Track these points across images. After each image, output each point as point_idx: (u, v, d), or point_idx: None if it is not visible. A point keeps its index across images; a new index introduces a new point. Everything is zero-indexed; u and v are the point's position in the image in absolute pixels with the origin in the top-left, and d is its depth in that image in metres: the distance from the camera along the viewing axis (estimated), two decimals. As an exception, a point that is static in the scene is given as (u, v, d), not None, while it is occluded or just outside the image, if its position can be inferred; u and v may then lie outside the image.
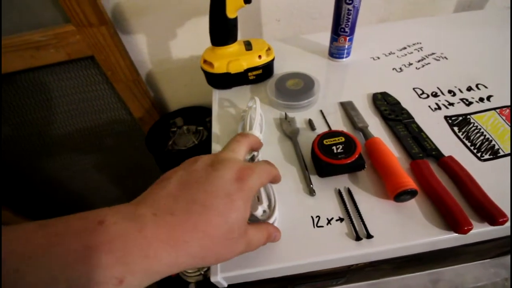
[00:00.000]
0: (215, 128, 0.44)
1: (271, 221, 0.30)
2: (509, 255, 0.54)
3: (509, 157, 0.35)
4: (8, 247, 0.15)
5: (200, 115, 0.80)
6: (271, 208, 0.31)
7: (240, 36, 0.68)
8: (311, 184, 0.34)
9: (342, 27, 0.47)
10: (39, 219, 0.17)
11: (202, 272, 0.71)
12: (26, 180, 0.99)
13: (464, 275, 0.85)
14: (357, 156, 0.33)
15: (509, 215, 0.28)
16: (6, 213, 1.03)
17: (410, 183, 0.30)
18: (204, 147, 0.72)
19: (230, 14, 0.42)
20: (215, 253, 0.21)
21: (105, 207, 0.19)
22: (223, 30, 0.44)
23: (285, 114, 0.43)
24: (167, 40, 0.69)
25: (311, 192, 0.33)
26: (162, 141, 0.78)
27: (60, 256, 0.16)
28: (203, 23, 0.44)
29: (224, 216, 0.21)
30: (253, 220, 0.30)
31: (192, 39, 0.68)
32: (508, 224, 0.28)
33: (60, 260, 0.15)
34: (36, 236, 0.16)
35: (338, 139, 0.34)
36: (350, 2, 0.44)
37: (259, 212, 0.31)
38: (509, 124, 0.39)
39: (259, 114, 0.39)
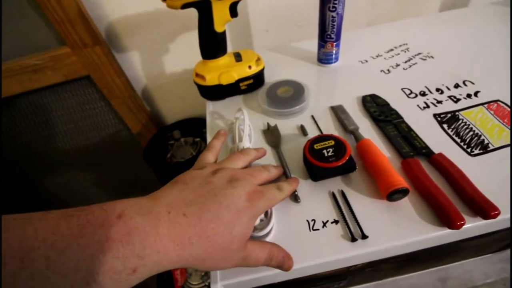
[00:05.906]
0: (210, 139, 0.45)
1: (268, 228, 0.31)
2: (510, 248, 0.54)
3: (498, 151, 0.35)
4: (40, 235, 0.16)
5: (196, 127, 0.82)
6: (267, 216, 0.32)
7: (231, 48, 0.70)
8: (296, 191, 0.34)
9: (328, 33, 0.49)
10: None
11: (207, 283, 0.71)
12: (27, 199, 0.99)
13: (472, 272, 0.84)
14: (347, 158, 0.33)
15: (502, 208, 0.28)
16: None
17: (401, 182, 0.30)
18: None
19: (218, 28, 0.44)
20: (213, 259, 0.23)
21: (124, 199, 0.21)
22: (212, 44, 0.46)
23: (267, 124, 0.44)
24: (160, 56, 0.71)
25: (296, 199, 0.34)
26: (161, 154, 0.79)
27: (85, 246, 0.17)
28: (194, 38, 0.45)
29: (229, 227, 0.23)
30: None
31: (184, 53, 0.70)
32: (502, 217, 0.29)
33: (85, 250, 0.17)
34: (61, 226, 0.17)
35: (328, 143, 0.35)
36: (334, 9, 0.45)
37: (257, 220, 0.31)
38: (497, 118, 0.39)
39: (248, 125, 0.39)
